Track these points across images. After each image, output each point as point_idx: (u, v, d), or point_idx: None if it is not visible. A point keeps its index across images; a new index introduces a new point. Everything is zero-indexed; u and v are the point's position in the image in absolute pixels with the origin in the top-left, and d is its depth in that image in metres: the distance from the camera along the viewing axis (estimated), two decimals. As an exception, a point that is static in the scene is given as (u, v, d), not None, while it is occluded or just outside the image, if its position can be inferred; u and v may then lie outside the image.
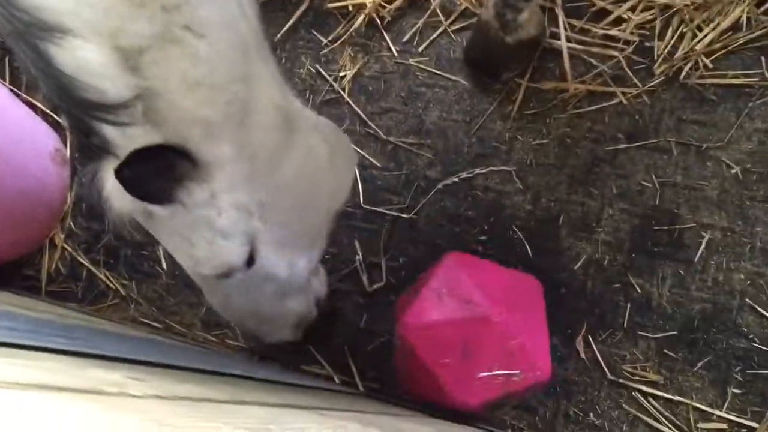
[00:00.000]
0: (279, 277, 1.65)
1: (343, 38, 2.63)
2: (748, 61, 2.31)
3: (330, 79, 2.59)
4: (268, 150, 1.41)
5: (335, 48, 2.63)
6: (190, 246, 1.39)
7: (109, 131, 1.17)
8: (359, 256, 2.44)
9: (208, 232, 1.36)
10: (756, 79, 2.28)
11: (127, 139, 1.17)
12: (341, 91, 2.57)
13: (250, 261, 1.50)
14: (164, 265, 2.59)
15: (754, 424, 2.07)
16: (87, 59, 1.07)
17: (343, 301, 2.44)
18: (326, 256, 2.48)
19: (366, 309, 2.42)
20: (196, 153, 1.25)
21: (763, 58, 2.29)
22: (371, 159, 2.49)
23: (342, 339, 2.40)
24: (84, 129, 1.18)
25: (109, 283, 2.63)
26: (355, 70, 2.59)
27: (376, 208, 2.43)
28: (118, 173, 1.13)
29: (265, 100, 1.37)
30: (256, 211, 1.43)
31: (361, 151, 2.49)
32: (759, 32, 2.29)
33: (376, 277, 2.42)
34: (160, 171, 1.20)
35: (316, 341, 2.18)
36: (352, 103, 2.55)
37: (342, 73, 2.60)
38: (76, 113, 1.15)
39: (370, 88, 2.57)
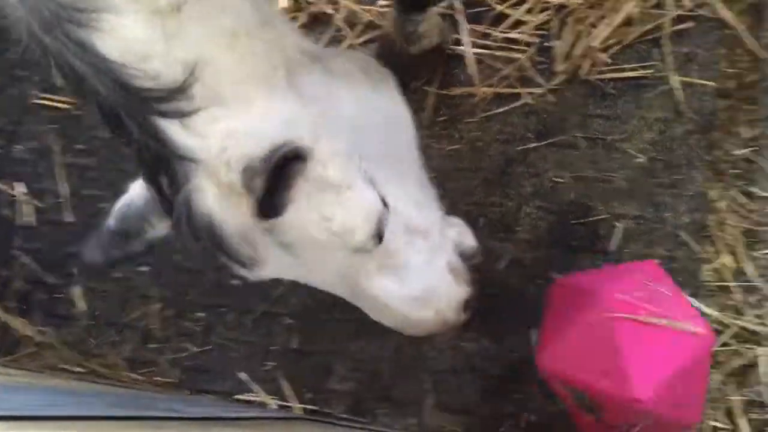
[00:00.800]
0: (414, 220, 1.57)
1: (248, 59, 2.59)
2: (643, 53, 2.40)
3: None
4: (319, 87, 1.38)
5: (242, 69, 2.59)
6: (327, 222, 1.29)
7: (179, 136, 1.13)
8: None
9: (332, 192, 1.28)
10: (651, 71, 2.37)
11: (198, 138, 1.13)
12: (251, 112, 2.53)
13: (385, 203, 1.40)
14: (81, 306, 2.50)
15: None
16: (128, 38, 1.05)
17: (274, 324, 2.41)
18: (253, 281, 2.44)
19: (297, 329, 2.39)
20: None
21: (655, 50, 2.38)
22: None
23: (275, 363, 2.36)
24: (153, 135, 1.12)
25: (24, 330, 2.51)
26: (263, 89, 2.55)
27: (297, 228, 2.40)
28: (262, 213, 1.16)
29: (293, 44, 1.35)
30: (352, 150, 1.35)
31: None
32: (649, 25, 2.38)
33: (304, 297, 2.40)
34: (281, 186, 1.18)
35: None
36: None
37: (251, 94, 2.56)
38: (141, 114, 1.10)
39: (281, 107, 2.54)
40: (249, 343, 2.39)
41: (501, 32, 2.50)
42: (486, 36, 2.50)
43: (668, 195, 2.27)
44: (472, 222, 2.33)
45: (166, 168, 1.17)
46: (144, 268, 2.52)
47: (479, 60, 2.48)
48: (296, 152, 1.18)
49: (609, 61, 2.39)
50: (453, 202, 2.38)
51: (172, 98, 1.09)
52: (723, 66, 2.34)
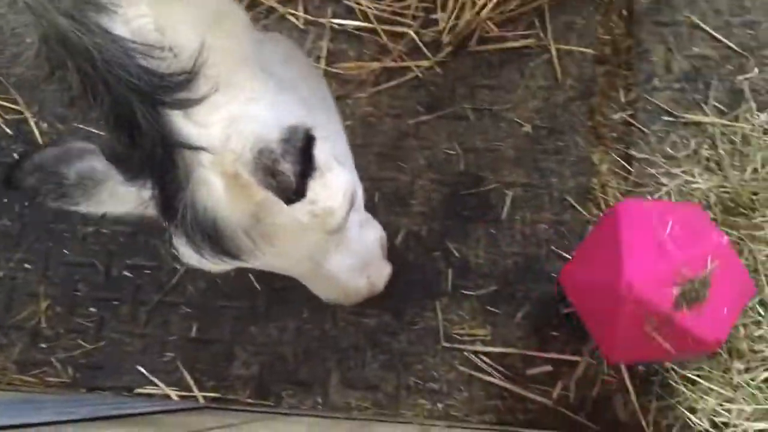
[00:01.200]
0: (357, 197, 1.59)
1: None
2: (525, 24, 2.45)
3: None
4: (280, 69, 1.41)
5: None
6: (312, 205, 1.29)
7: (185, 127, 1.12)
8: (181, 268, 2.35)
9: (316, 175, 1.23)
10: (533, 40, 2.42)
11: (201, 128, 1.14)
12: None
13: None
14: (-38, 310, 2.35)
15: (577, 358, 2.21)
16: (140, 25, 1.08)
17: (170, 314, 2.34)
18: (146, 271, 2.37)
19: (195, 318, 2.34)
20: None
21: (536, 20, 2.44)
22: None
23: (174, 353, 2.30)
24: (162, 125, 1.11)
25: None
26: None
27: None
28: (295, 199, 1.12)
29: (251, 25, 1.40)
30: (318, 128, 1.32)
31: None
32: (530, -4, 2.44)
33: (201, 284, 2.34)
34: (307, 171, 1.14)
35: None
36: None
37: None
38: (154, 102, 1.08)
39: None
40: (145, 335, 2.32)
41: (387, 6, 2.49)
42: (373, 9, 2.49)
43: (553, 161, 2.34)
44: (367, 198, 2.36)
45: (172, 163, 1.14)
46: (29, 266, 2.40)
47: (367, 35, 2.47)
48: (311, 133, 1.16)
49: (493, 31, 2.43)
50: (347, 179, 2.38)
51: (184, 86, 1.09)
52: (599, 33, 2.43)
